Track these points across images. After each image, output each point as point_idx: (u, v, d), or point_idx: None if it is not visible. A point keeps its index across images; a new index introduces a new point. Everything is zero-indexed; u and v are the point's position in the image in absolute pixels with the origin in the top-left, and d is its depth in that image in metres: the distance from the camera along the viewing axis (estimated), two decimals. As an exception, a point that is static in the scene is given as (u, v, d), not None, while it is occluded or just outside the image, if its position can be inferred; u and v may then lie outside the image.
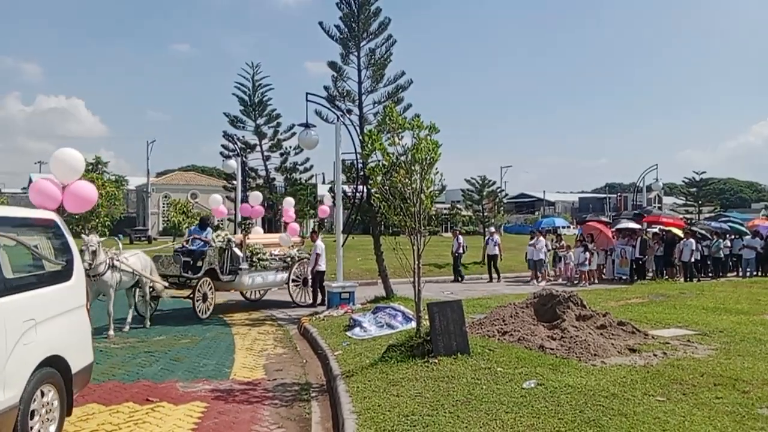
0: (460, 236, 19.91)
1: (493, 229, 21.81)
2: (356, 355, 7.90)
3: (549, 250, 20.17)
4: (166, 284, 11.60)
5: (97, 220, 24.59)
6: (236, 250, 12.73)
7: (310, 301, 13.91)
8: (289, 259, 13.95)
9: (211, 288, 12.13)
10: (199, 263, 12.15)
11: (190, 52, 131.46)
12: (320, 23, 13.97)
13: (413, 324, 9.01)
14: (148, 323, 10.97)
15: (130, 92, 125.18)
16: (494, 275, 19.72)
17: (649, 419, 4.96)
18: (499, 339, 8.04)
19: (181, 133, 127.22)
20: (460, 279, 19.49)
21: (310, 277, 14.06)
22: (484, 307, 11.53)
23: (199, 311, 11.65)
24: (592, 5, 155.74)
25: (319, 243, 14.27)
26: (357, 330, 9.56)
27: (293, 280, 13.90)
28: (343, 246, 13.50)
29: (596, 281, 18.87)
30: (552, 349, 7.45)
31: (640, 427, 4.80)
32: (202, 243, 12.45)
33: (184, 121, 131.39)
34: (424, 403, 5.46)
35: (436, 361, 6.76)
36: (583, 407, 5.25)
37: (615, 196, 78.61)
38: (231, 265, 12.65)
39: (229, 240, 12.82)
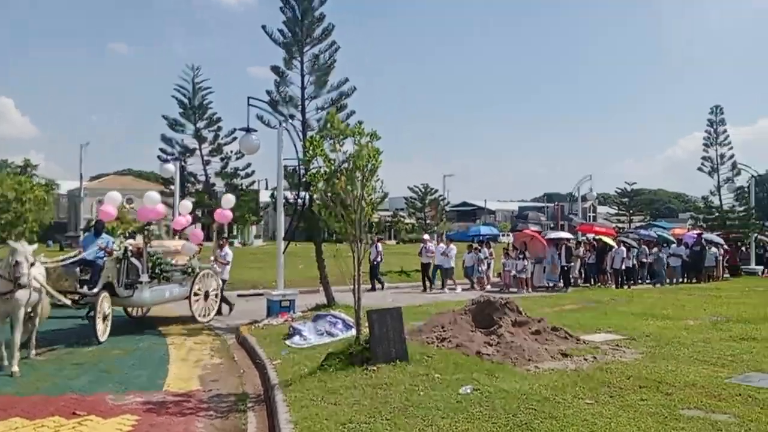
0: (378, 244, 19.65)
1: (426, 236, 21.86)
2: (295, 363, 7.81)
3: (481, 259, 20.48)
4: (69, 302, 9.81)
5: (24, 226, 23.31)
6: (134, 260, 11.11)
7: (214, 315, 12.73)
8: (190, 269, 12.47)
9: (109, 305, 10.46)
10: (97, 277, 10.40)
11: (129, 51, 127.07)
12: (263, 27, 13.84)
13: (353, 331, 9.00)
14: (34, 352, 8.77)
15: (64, 92, 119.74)
16: (428, 283, 19.52)
17: (578, 421, 5.13)
18: (437, 345, 8.14)
19: (117, 136, 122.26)
20: (381, 287, 19.24)
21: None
22: (425, 314, 11.64)
23: (100, 333, 9.95)
24: (526, 13, 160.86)
25: (228, 250, 13.62)
26: (296, 338, 9.48)
27: (195, 294, 12.19)
28: (284, 253, 13.35)
29: (529, 289, 19.34)
30: (488, 354, 7.60)
31: (569, 429, 4.96)
32: (102, 252, 10.61)
33: (121, 124, 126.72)
34: (361, 411, 5.46)
35: (375, 368, 6.78)
36: (516, 411, 5.38)
37: (553, 205, 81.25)
38: (128, 278, 10.98)
39: (125, 248, 11.12)
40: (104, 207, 12.06)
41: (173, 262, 12.26)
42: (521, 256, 19.64)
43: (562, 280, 19.73)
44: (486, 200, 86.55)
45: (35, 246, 8.40)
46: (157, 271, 11.47)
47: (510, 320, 8.84)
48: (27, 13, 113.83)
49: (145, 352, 9.54)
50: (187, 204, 14.74)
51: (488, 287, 19.70)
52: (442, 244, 20.12)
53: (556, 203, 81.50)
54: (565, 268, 19.84)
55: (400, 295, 17.58)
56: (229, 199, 14.85)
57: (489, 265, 20.43)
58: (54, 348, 9.53)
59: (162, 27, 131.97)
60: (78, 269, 10.40)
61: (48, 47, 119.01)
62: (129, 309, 12.58)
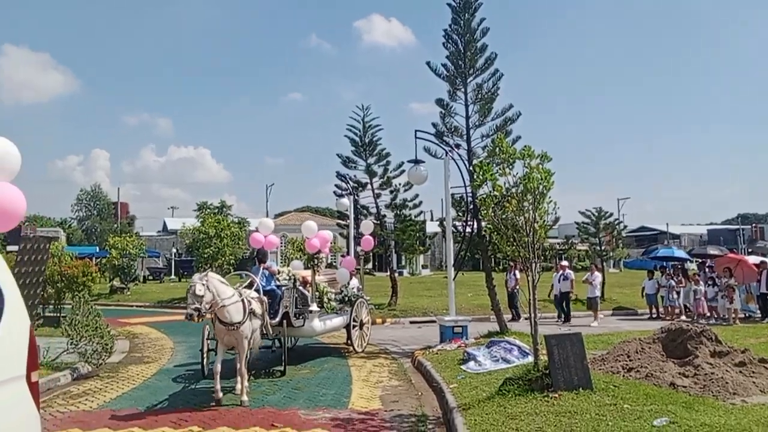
0: (516, 271, 18.00)
1: (565, 262, 19.90)
2: (472, 388, 7.81)
3: (662, 286, 18.79)
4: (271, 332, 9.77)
5: (222, 259, 26.15)
6: (302, 289, 11.15)
7: (364, 346, 12.52)
8: (347, 298, 12.33)
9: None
10: (277, 306, 10.44)
11: (302, 100, 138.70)
12: (428, 63, 14.48)
13: (529, 359, 8.80)
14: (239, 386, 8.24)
15: (249, 140, 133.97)
16: (563, 314, 17.76)
17: (803, 464, 4.49)
18: (624, 375, 7.63)
19: (296, 177, 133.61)
20: (518, 317, 17.78)
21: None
22: (605, 343, 11.02)
23: (285, 363, 10.05)
24: (721, 22, 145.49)
25: (355, 282, 13.32)
26: (471, 364, 9.47)
27: (353, 322, 12.23)
28: (454, 280, 13.47)
29: (712, 319, 17.16)
30: (684, 386, 6.96)
31: (792, 472, 4.35)
32: (278, 282, 10.78)
33: (299, 165, 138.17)
34: (545, 438, 5.29)
35: (557, 395, 6.53)
36: (723, 448, 4.85)
37: (749, 227, 72.14)
38: (296, 307, 10.95)
39: (294, 278, 11.19)
40: (310, 240, 11.65)
41: (332, 291, 12.35)
42: (709, 282, 17.75)
43: (760, 310, 17.36)
44: (668, 224, 79.46)
45: (216, 275, 8.11)
46: (324, 300, 11.60)
47: (708, 350, 8.02)
48: (216, 74, 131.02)
49: (330, 372, 10.16)
50: (369, 224, 15.45)
51: (682, 317, 17.95)
52: (595, 272, 18.36)
53: (753, 224, 72.34)
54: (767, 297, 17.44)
55: (572, 325, 16.71)
56: (368, 225, 15.28)
57: (679, 292, 18.61)
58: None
59: (331, 74, 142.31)
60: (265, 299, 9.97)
61: (236, 102, 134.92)
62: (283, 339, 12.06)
